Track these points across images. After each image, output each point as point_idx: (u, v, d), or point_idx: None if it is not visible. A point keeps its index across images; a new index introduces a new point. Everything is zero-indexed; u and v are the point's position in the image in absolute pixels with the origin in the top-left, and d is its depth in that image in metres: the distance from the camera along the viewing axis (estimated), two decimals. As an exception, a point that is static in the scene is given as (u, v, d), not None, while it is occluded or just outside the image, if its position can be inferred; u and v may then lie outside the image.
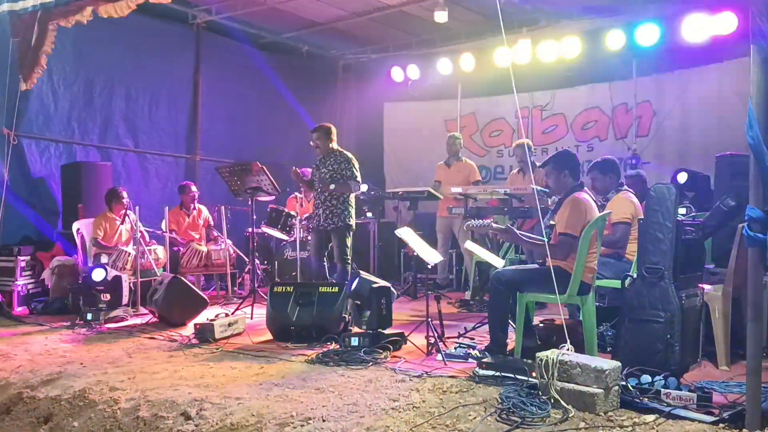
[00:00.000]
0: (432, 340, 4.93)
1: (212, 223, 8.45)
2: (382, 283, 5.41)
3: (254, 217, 7.24)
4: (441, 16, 8.43)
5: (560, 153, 5.09)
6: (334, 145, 6.94)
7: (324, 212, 6.79)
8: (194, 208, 8.38)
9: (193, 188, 8.35)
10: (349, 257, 6.82)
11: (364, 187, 9.23)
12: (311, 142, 6.97)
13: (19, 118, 7.17)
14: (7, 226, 7.19)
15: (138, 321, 6.55)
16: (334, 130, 7.01)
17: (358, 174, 6.87)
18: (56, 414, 4.09)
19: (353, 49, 10.80)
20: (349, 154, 6.91)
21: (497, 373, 4.09)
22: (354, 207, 6.96)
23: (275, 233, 8.20)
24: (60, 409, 4.11)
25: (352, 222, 6.88)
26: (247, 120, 10.36)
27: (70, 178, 8.09)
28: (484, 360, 4.36)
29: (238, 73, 10.08)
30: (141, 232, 7.19)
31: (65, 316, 6.74)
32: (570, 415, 3.38)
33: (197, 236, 8.31)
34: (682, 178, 7.22)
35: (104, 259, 7.19)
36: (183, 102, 9.70)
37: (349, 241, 6.85)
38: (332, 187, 6.69)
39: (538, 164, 7.11)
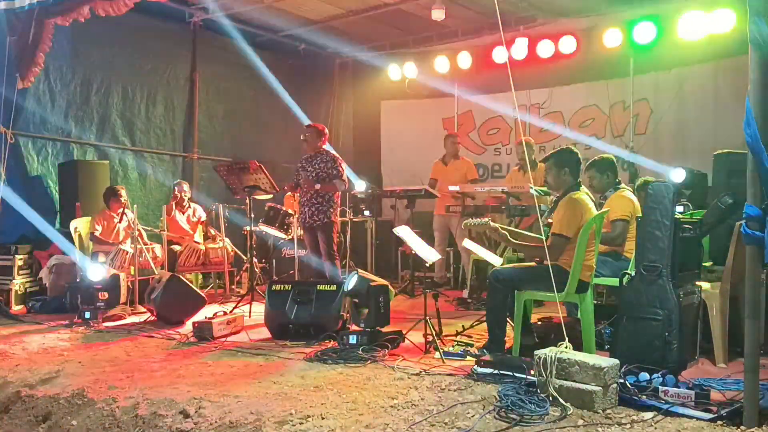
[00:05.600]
0: (430, 339, 4.94)
1: (205, 220, 8.45)
2: (380, 281, 5.41)
3: (252, 215, 7.24)
4: (438, 14, 8.43)
5: (563, 150, 5.03)
6: (324, 146, 7.10)
7: (309, 210, 6.94)
8: (188, 207, 8.37)
9: (184, 186, 8.34)
10: (336, 253, 6.97)
11: (361, 186, 9.28)
12: (302, 136, 7.07)
13: (16, 116, 7.17)
14: (5, 224, 7.19)
15: (136, 319, 6.55)
16: (326, 132, 7.22)
17: (344, 174, 6.98)
18: (55, 413, 4.08)
19: (350, 48, 10.78)
20: (336, 155, 7.04)
21: (495, 371, 4.09)
22: (338, 205, 7.08)
23: (273, 231, 8.19)
24: (58, 407, 4.10)
25: (336, 218, 7.02)
26: (245, 118, 10.36)
27: (68, 177, 8.08)
28: (483, 358, 4.36)
29: (235, 72, 10.08)
30: (138, 230, 7.19)
31: (63, 314, 6.73)
32: (568, 413, 3.39)
33: (193, 233, 8.30)
34: (679, 176, 7.23)
35: (102, 257, 7.19)
36: (180, 100, 9.69)
37: (335, 237, 6.98)
38: (317, 186, 6.80)
39: (539, 161, 7.12)
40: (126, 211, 7.35)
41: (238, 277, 8.70)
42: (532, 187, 6.04)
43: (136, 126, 9.20)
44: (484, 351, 4.63)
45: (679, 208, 6.23)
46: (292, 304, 5.56)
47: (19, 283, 7.33)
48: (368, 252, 9.32)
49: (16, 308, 7.19)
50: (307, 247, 7.22)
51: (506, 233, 4.83)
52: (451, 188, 7.77)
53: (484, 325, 4.97)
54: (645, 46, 8.38)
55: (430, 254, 5.32)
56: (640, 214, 4.80)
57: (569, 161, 4.83)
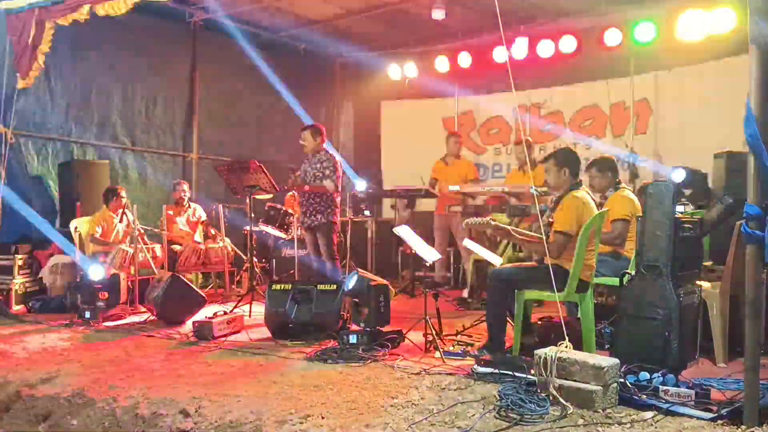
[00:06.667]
0: (430, 338, 4.94)
1: (205, 220, 8.46)
2: (380, 280, 5.41)
3: (252, 215, 7.24)
4: (438, 14, 8.44)
5: (562, 150, 5.08)
6: (324, 145, 7.07)
7: (308, 210, 6.91)
8: (188, 206, 8.38)
9: (184, 186, 8.36)
10: (336, 254, 6.94)
11: (361, 186, 9.29)
12: (301, 138, 7.05)
13: (16, 116, 7.17)
14: (5, 224, 7.18)
15: (136, 319, 6.55)
16: (323, 130, 7.17)
17: (338, 174, 6.95)
18: (55, 412, 4.08)
19: (351, 47, 10.78)
20: (334, 155, 7.02)
21: (495, 371, 4.08)
22: (338, 205, 7.06)
23: (273, 231, 8.20)
24: (59, 407, 4.10)
25: (336, 219, 6.99)
26: (245, 118, 10.36)
27: (68, 177, 8.08)
28: (483, 357, 4.36)
29: (235, 72, 10.07)
30: (138, 230, 7.19)
31: (63, 314, 6.73)
32: (569, 412, 3.38)
33: (193, 233, 8.31)
34: (679, 175, 7.23)
35: (102, 257, 7.20)
36: (180, 100, 9.70)
37: (335, 238, 6.97)
38: (306, 188, 6.80)
39: (538, 161, 7.13)
40: (126, 211, 7.35)
41: (238, 277, 8.70)
42: (532, 187, 6.03)
43: (136, 126, 9.20)
44: (484, 351, 4.63)
45: (680, 208, 6.23)
46: (292, 304, 5.56)
47: (19, 282, 7.33)
48: (368, 252, 9.32)
49: (17, 308, 7.18)
50: (308, 247, 7.22)
51: (509, 227, 4.85)
52: (452, 188, 7.77)
53: (484, 324, 4.96)
54: (645, 45, 8.39)
55: (430, 254, 5.32)
56: (641, 214, 4.80)
57: (569, 160, 4.83)
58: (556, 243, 4.56)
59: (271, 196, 7.55)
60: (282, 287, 5.72)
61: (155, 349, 5.29)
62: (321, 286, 5.64)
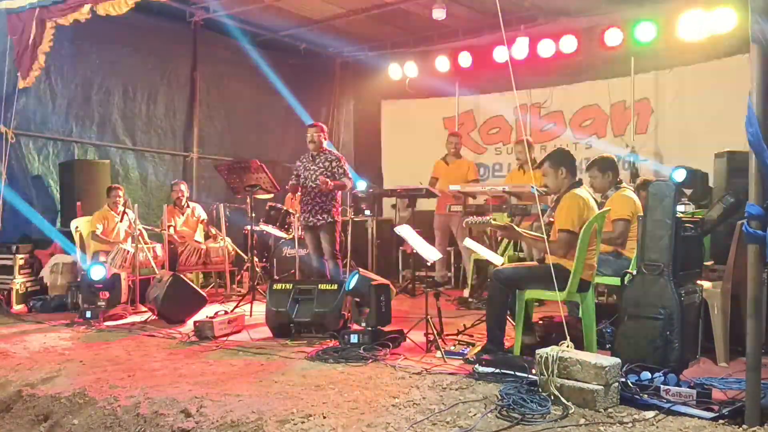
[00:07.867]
0: (431, 338, 4.94)
1: (205, 219, 8.46)
2: (381, 280, 5.41)
3: (253, 214, 7.24)
4: (439, 14, 8.43)
5: (555, 151, 5.04)
6: (325, 144, 7.09)
7: (312, 209, 6.90)
8: (187, 206, 8.39)
9: (182, 187, 8.37)
10: (339, 253, 6.94)
11: (362, 185, 9.30)
12: (309, 136, 7.03)
13: (17, 116, 7.18)
14: (6, 224, 7.19)
15: (137, 319, 6.55)
16: (326, 129, 7.24)
17: (349, 171, 7.01)
18: (56, 412, 4.07)
19: (351, 47, 10.79)
20: (339, 153, 7.05)
21: (497, 370, 4.08)
22: (340, 203, 7.09)
23: (274, 231, 8.20)
24: (60, 407, 4.10)
25: (339, 218, 7.01)
26: (245, 118, 10.37)
27: (68, 176, 8.10)
28: (484, 357, 4.36)
29: (235, 71, 10.09)
30: (139, 230, 7.19)
31: (64, 314, 6.75)
32: (570, 412, 3.39)
33: (193, 233, 8.32)
34: (680, 175, 7.23)
35: (103, 257, 7.20)
36: (181, 100, 9.71)
37: (337, 237, 6.98)
38: (331, 184, 6.82)
39: (533, 169, 7.14)
40: (127, 210, 7.35)
41: (239, 277, 8.70)
42: (533, 187, 6.04)
43: (136, 125, 9.21)
44: (485, 350, 4.62)
45: (680, 208, 6.23)
46: (293, 303, 5.56)
47: (20, 282, 7.33)
48: (369, 251, 9.32)
49: (17, 307, 7.19)
50: (308, 247, 7.22)
51: (513, 225, 4.85)
52: (452, 188, 7.77)
53: (485, 324, 4.96)
54: (646, 45, 8.39)
55: (430, 253, 5.32)
56: (642, 214, 4.80)
57: (564, 160, 4.82)
58: (561, 241, 4.55)
59: (271, 195, 7.55)
60: (283, 287, 5.72)
61: (156, 348, 5.29)
62: (322, 286, 5.64)
